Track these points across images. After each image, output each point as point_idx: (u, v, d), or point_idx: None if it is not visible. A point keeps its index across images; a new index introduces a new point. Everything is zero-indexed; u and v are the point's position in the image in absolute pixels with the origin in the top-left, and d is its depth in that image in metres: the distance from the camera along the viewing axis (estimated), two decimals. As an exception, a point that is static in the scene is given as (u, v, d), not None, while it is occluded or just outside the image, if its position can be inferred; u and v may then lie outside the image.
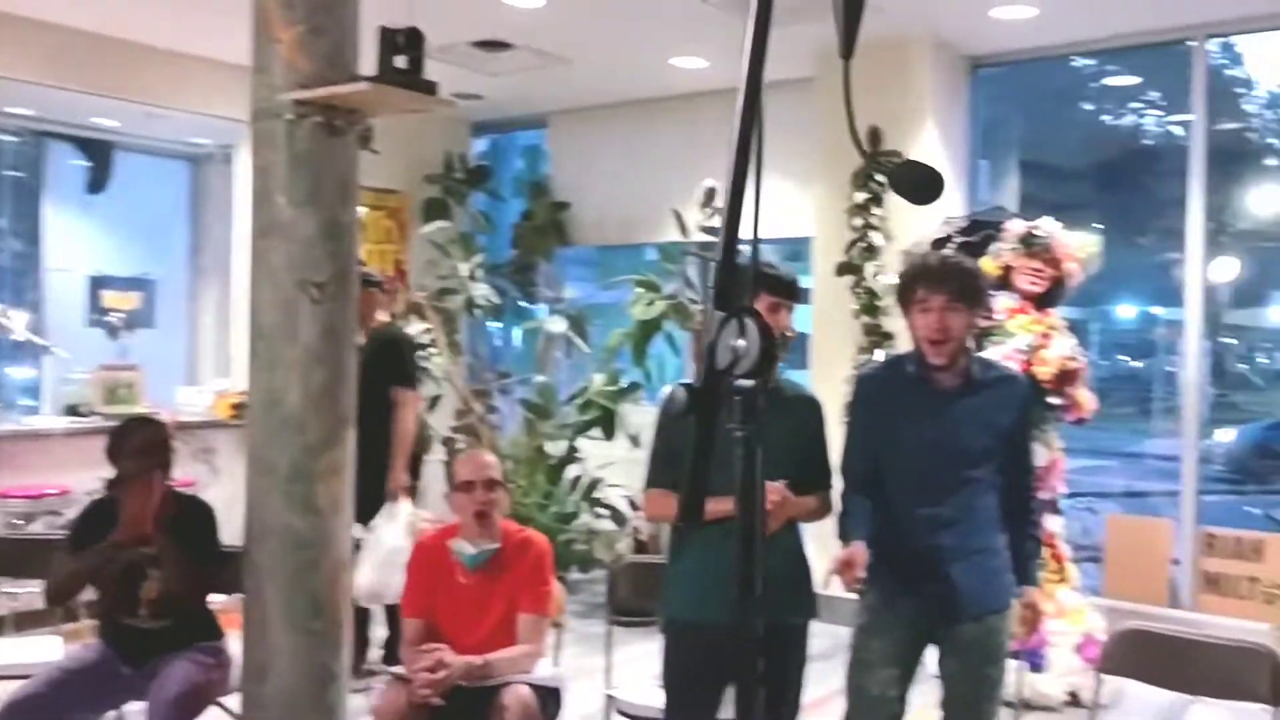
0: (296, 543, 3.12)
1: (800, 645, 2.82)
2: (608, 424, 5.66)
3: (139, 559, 3.18)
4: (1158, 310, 15.91)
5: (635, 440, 5.73)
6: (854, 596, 2.80)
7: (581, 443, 5.85)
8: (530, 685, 3.00)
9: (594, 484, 5.82)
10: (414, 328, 5.85)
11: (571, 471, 5.83)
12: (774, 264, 2.61)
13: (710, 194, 5.80)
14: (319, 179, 3.17)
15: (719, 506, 2.02)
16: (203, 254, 7.31)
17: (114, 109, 6.28)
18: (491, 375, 6.38)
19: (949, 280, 2.74)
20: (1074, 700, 4.68)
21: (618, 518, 5.89)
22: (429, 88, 3.10)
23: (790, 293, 2.60)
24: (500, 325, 7.14)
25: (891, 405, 2.83)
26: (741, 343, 1.03)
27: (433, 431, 6.19)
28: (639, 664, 4.95)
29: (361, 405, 4.64)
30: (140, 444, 3.25)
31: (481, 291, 5.88)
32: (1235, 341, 14.13)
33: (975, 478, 2.78)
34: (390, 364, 4.73)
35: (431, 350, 5.89)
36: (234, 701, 3.19)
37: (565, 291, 7.14)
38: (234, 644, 3.33)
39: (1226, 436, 11.05)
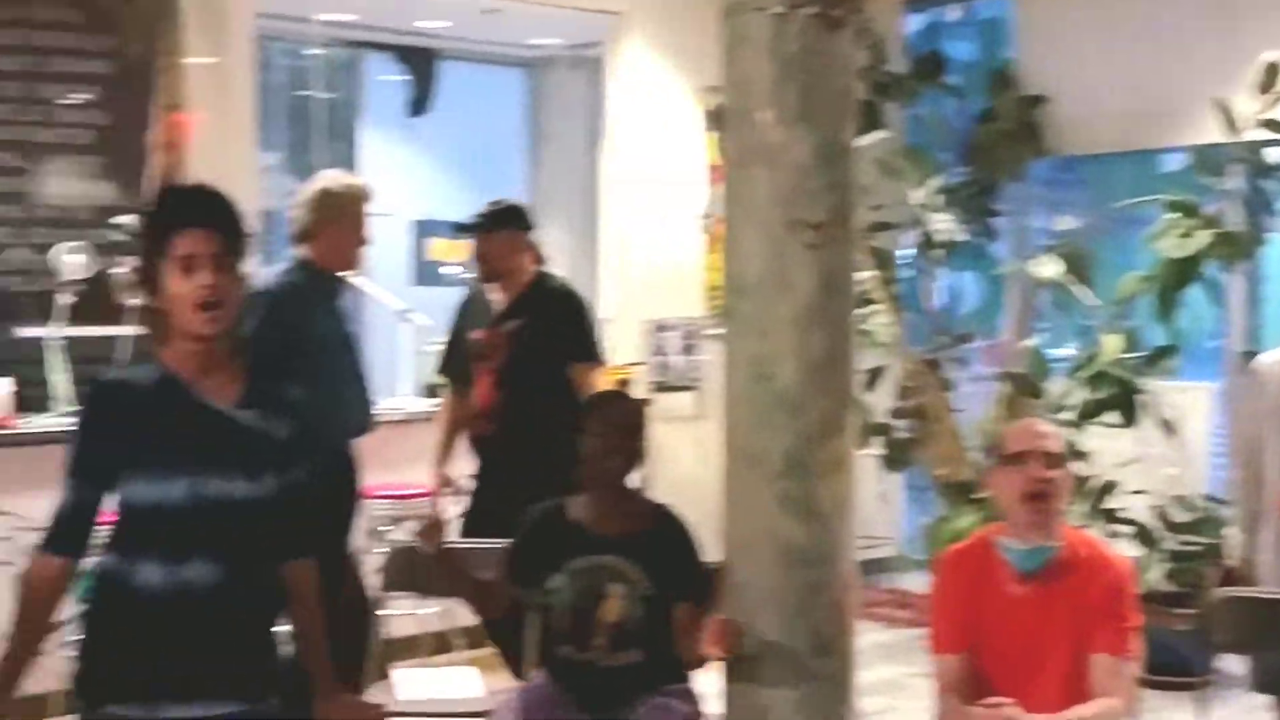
0: (794, 557, 3.39)
1: None
2: (1126, 406, 5.65)
3: (597, 570, 3.53)
4: None
5: (1169, 427, 5.69)
6: None
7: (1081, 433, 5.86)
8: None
9: (1106, 489, 5.82)
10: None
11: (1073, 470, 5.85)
12: None
13: (1273, 71, 5.67)
14: (812, 89, 3.42)
15: None
16: (544, 188, 7.87)
17: (445, 5, 6.91)
18: (947, 338, 6.48)
19: None
20: None
21: (1144, 537, 5.85)
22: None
23: None
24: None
25: None
26: None
27: (869, 415, 6.41)
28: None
29: (527, 387, 4.73)
30: (613, 423, 3.62)
31: (943, 224, 6.02)
32: None
33: None
34: (564, 329, 4.87)
35: (874, 306, 6.10)
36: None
37: (1059, 221, 7.11)
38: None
39: None
